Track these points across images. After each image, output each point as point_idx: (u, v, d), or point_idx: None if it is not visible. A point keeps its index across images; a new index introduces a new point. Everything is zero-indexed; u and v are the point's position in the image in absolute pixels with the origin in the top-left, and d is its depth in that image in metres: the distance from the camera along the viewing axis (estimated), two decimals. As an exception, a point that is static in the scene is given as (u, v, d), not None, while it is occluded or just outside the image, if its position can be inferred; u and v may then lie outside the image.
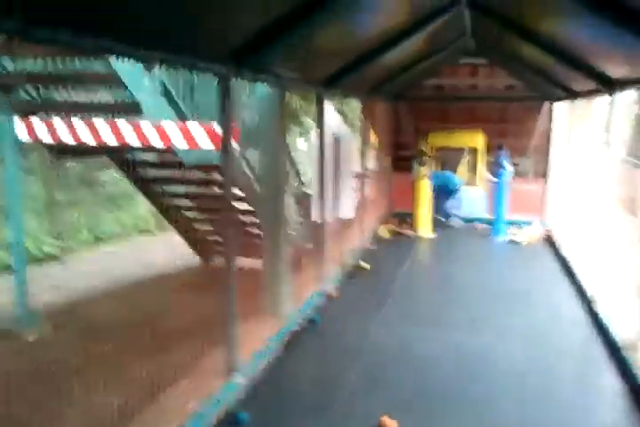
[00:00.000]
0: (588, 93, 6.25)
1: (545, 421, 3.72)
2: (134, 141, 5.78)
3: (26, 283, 6.14)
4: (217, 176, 6.61)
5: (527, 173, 10.04)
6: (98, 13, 2.23)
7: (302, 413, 3.80)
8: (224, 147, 3.75)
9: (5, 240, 7.04)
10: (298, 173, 8.45)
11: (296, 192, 8.18)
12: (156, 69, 5.35)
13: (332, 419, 3.70)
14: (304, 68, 4.83)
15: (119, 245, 10.69)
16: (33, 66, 5.81)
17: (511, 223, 9.25)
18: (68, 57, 5.71)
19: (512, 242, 8.87)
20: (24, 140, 5.96)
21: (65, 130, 5.82)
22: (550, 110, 9.58)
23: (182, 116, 5.88)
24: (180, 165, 6.32)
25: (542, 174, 9.82)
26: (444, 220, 9.91)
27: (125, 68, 5.26)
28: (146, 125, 5.70)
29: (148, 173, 7.69)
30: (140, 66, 5.12)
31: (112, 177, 12.73)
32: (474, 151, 10.08)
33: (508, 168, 8.87)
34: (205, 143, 5.73)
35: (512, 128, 10.05)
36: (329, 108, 6.62)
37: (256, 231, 7.25)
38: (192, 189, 7.94)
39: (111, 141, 5.81)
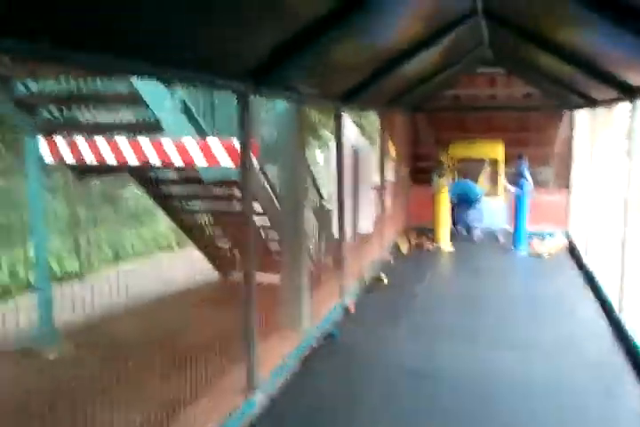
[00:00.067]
0: (609, 101, 6.18)
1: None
2: (155, 159, 5.83)
3: (49, 301, 6.18)
4: (236, 192, 6.63)
5: (548, 183, 9.93)
6: (120, 35, 2.28)
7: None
8: (243, 163, 3.76)
9: (28, 258, 7.11)
10: (317, 188, 8.45)
11: (315, 207, 8.17)
12: (177, 87, 5.41)
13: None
14: (322, 84, 4.85)
15: (140, 261, 10.75)
16: (56, 86, 5.91)
17: (533, 235, 9.12)
18: (90, 77, 5.80)
19: (534, 253, 8.74)
20: (48, 161, 6.04)
21: (87, 149, 5.90)
22: (571, 118, 9.48)
23: (202, 133, 5.93)
24: (200, 181, 6.35)
25: (564, 184, 9.70)
26: (465, 233, 9.81)
27: (146, 86, 5.32)
28: (166, 143, 5.75)
29: (168, 189, 7.75)
30: (160, 84, 5.18)
31: (133, 194, 12.85)
32: (494, 162, 10.00)
33: (529, 178, 8.77)
34: (225, 160, 5.76)
35: (532, 137, 9.97)
36: (347, 121, 6.63)
37: (275, 246, 7.24)
38: (212, 204, 7.98)
39: (132, 160, 5.87)
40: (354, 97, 5.56)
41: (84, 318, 7.01)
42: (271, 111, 6.34)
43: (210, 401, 3.82)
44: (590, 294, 6.57)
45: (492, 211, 9.93)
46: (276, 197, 6.38)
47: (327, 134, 13.71)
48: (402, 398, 4.20)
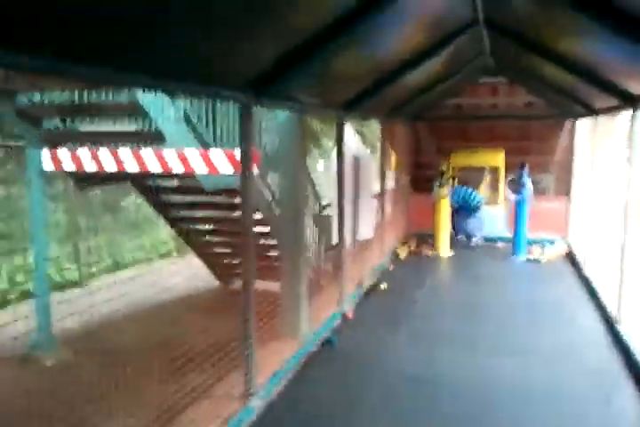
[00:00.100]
0: (610, 110, 6.20)
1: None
2: (156, 169, 5.86)
3: (47, 308, 6.19)
4: (237, 200, 6.65)
5: (549, 191, 9.95)
6: (121, 48, 2.29)
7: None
8: (244, 171, 3.77)
9: (29, 266, 7.13)
10: (317, 195, 8.47)
11: (315, 214, 8.19)
12: (179, 98, 5.45)
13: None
14: (323, 93, 4.88)
15: (140, 269, 10.76)
16: (59, 97, 5.96)
17: (532, 242, 9.13)
18: (93, 88, 5.84)
19: (533, 261, 8.74)
20: (49, 170, 6.07)
21: (89, 159, 5.93)
22: (572, 127, 9.51)
23: (204, 144, 5.97)
24: (201, 189, 6.38)
25: (564, 192, 9.71)
26: (465, 240, 9.82)
27: (148, 98, 5.35)
28: (168, 153, 5.77)
29: (168, 198, 7.77)
30: (162, 95, 5.21)
31: (133, 202, 12.88)
32: (495, 170, 10.03)
33: (529, 186, 8.79)
34: (226, 168, 5.78)
35: (533, 145, 10.00)
36: (348, 130, 6.66)
37: (274, 254, 7.24)
38: (212, 213, 8.00)
39: (134, 169, 5.90)
40: (355, 106, 5.59)
41: (84, 324, 7.01)
42: (273, 120, 6.37)
43: (208, 407, 3.82)
44: (589, 302, 6.57)
45: (493, 218, 9.96)
46: (277, 205, 6.39)
47: (328, 143, 13.76)
48: (401, 404, 4.19)
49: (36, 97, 5.98)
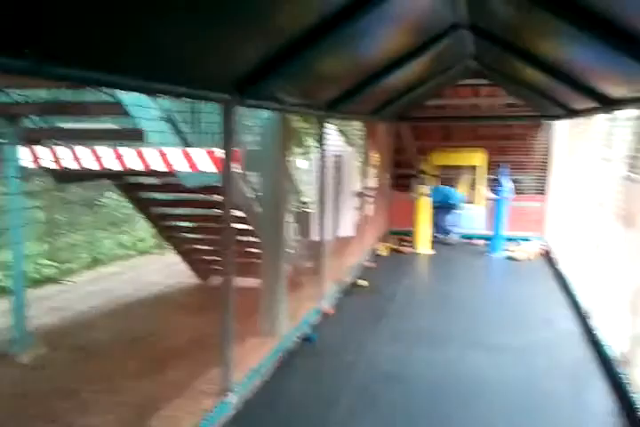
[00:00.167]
0: (588, 112, 6.29)
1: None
2: (137, 166, 5.84)
3: (24, 305, 6.13)
4: (217, 197, 6.65)
5: (527, 190, 10.08)
6: (103, 49, 2.27)
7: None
8: (225, 170, 3.78)
9: (6, 263, 7.04)
10: (298, 193, 8.49)
11: (296, 211, 8.21)
12: (161, 98, 5.42)
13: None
14: (306, 94, 4.89)
15: (119, 266, 10.69)
16: (39, 95, 5.89)
17: (510, 240, 9.25)
18: (74, 87, 5.79)
19: (510, 258, 8.86)
20: (28, 166, 6.02)
21: (68, 156, 5.89)
22: (551, 127, 9.64)
23: (186, 142, 5.95)
24: (181, 187, 6.36)
25: (542, 191, 9.85)
26: (442, 236, 9.91)
27: (130, 96, 5.33)
28: (149, 151, 5.76)
29: (148, 195, 7.73)
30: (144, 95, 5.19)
31: (113, 199, 12.78)
32: (475, 169, 10.14)
33: (508, 185, 8.90)
34: (207, 166, 5.78)
35: (513, 145, 10.11)
36: (330, 129, 6.69)
37: (255, 251, 7.25)
38: (192, 210, 7.98)
39: (114, 167, 5.87)
40: (338, 106, 5.60)
41: (61, 321, 6.95)
42: (255, 119, 6.38)
43: (185, 403, 3.82)
44: (564, 298, 6.68)
45: (472, 216, 10.08)
46: (258, 203, 6.40)
47: (311, 142, 13.78)
48: (378, 401, 4.23)
49: (16, 95, 5.91)
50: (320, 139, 6.09)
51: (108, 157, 5.81)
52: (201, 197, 7.03)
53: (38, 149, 5.93)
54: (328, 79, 4.88)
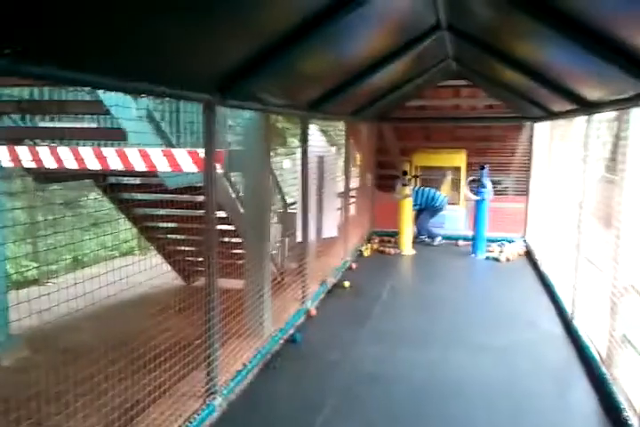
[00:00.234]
0: (567, 113, 6.38)
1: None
2: (118, 166, 5.80)
3: (6, 308, 6.06)
4: (200, 198, 6.63)
5: (508, 191, 10.18)
6: (84, 49, 2.27)
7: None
8: (207, 170, 3.78)
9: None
10: (282, 193, 8.48)
11: (280, 211, 8.20)
12: (142, 97, 5.40)
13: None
14: (288, 94, 4.90)
15: (101, 267, 10.59)
16: (19, 93, 5.83)
17: (492, 241, 9.32)
18: (55, 86, 5.74)
19: (492, 259, 8.93)
20: (6, 166, 5.95)
21: (49, 155, 5.83)
22: (531, 129, 9.74)
23: (168, 142, 5.93)
24: (163, 187, 6.33)
25: (524, 192, 9.94)
26: (427, 239, 9.96)
27: (111, 96, 5.30)
28: (130, 151, 5.72)
29: (130, 195, 7.67)
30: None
31: (94, 199, 12.66)
32: (457, 170, 10.22)
33: (489, 187, 8.98)
34: (189, 167, 5.76)
35: (494, 147, 10.20)
36: (313, 129, 6.70)
37: (239, 252, 7.24)
38: (174, 211, 7.92)
39: (95, 167, 5.83)
40: (320, 106, 5.63)
41: (43, 323, 6.86)
42: (238, 118, 6.37)
43: (170, 406, 3.81)
44: (546, 299, 6.74)
45: (454, 218, 10.17)
46: (241, 203, 6.39)
47: (294, 141, 13.76)
48: (362, 402, 4.25)
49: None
50: (303, 139, 6.10)
51: (88, 157, 5.77)
52: (183, 197, 7.00)
53: (18, 148, 5.87)
54: (310, 79, 4.90)
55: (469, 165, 9.99)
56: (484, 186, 8.94)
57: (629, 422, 3.62)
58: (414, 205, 9.51)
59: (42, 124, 6.40)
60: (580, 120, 6.22)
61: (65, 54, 2.23)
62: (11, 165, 5.91)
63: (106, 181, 7.26)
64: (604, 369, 4.39)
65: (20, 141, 6.09)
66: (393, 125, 10.64)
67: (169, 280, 8.62)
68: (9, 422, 4.26)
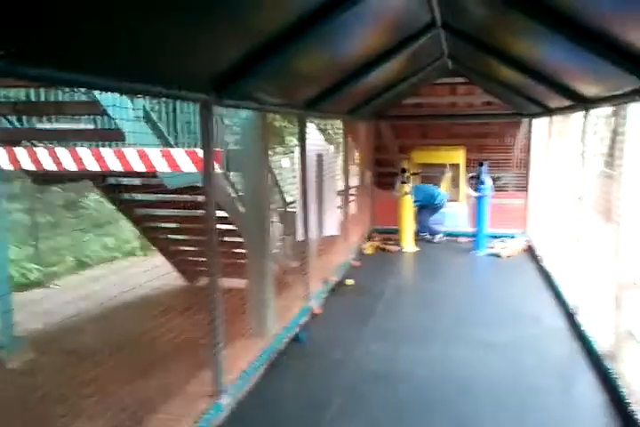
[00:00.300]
0: (564, 110, 6.39)
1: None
2: (117, 167, 5.82)
3: (10, 310, 6.10)
4: (200, 198, 6.66)
5: (508, 187, 10.20)
6: (79, 49, 2.28)
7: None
8: (206, 170, 3.80)
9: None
10: (281, 192, 8.51)
11: (280, 210, 8.23)
12: (139, 98, 5.42)
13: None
14: (285, 93, 4.91)
15: (104, 268, 10.64)
16: (16, 94, 5.85)
17: (493, 237, 9.35)
18: (51, 87, 5.76)
19: (493, 255, 8.95)
20: (6, 169, 5.97)
21: (47, 157, 5.85)
22: (529, 125, 9.76)
23: (165, 142, 5.95)
24: (163, 187, 6.36)
25: (523, 188, 9.96)
26: (429, 236, 9.98)
27: (108, 96, 5.32)
28: (129, 152, 5.74)
29: (130, 196, 7.70)
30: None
31: (95, 201, 12.71)
32: (456, 167, 10.24)
33: (489, 183, 9.00)
34: (188, 166, 5.79)
35: (492, 143, 10.23)
36: (311, 128, 6.72)
37: (241, 251, 7.27)
38: (175, 211, 7.96)
39: (94, 168, 5.85)
40: (317, 105, 5.64)
41: (47, 325, 6.91)
42: (235, 118, 6.40)
43: (177, 406, 3.83)
44: (548, 294, 6.76)
45: (454, 214, 10.18)
46: (241, 203, 6.42)
47: (292, 140, 13.81)
48: (367, 400, 4.26)
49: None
50: (301, 137, 6.12)
51: (87, 158, 5.80)
52: (183, 197, 7.03)
53: (15, 150, 5.90)
54: (306, 78, 4.91)
55: (468, 161, 10.00)
56: (483, 182, 8.96)
57: (635, 416, 3.64)
58: (414, 202, 9.53)
59: (39, 126, 6.42)
60: (578, 116, 6.25)
61: (60, 55, 2.24)
62: (9, 167, 5.94)
63: (105, 182, 7.29)
64: (608, 364, 4.40)
65: (17, 143, 6.11)
66: (390, 123, 10.66)
67: (173, 281, 8.69)
68: (20, 423, 4.31)
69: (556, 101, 6.33)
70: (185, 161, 5.78)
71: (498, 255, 8.90)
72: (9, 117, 6.16)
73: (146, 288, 8.65)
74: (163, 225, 8.38)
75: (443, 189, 10.06)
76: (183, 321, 6.19)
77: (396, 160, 10.23)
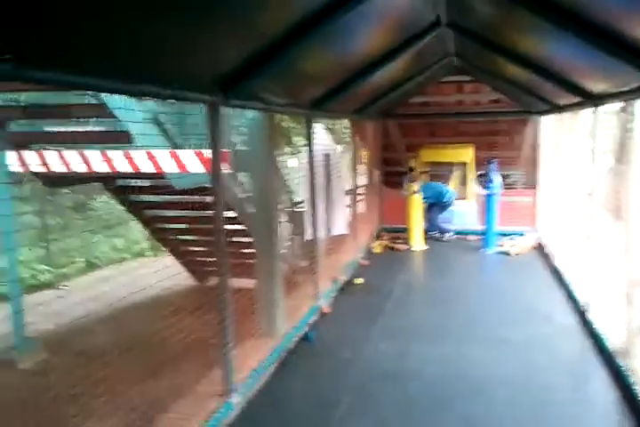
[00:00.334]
0: (573, 106, 6.37)
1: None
2: (125, 169, 5.85)
3: (21, 311, 6.14)
4: (208, 199, 6.68)
5: (517, 185, 10.17)
6: (84, 52, 2.29)
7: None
8: (214, 171, 3.82)
9: (1, 269, 7.06)
10: (290, 192, 8.52)
11: (289, 211, 8.24)
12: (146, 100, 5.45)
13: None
14: (291, 93, 4.92)
15: (113, 269, 10.69)
16: (26, 98, 5.89)
17: (502, 235, 9.32)
18: (58, 90, 5.79)
19: (503, 253, 8.92)
20: (16, 171, 6.02)
21: (57, 160, 5.90)
22: (538, 122, 9.72)
23: (173, 144, 5.97)
24: (172, 188, 6.39)
25: (532, 185, 9.93)
26: (438, 235, 9.96)
27: (115, 99, 5.35)
28: (137, 154, 5.77)
29: (139, 197, 7.74)
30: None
31: (105, 202, 12.77)
32: (464, 165, 10.22)
33: (497, 181, 8.97)
34: (196, 167, 5.81)
35: (501, 141, 10.20)
36: (318, 128, 6.73)
37: (249, 251, 7.29)
38: (184, 212, 7.99)
39: (102, 170, 5.89)
40: (323, 105, 5.64)
41: (58, 326, 6.95)
42: (242, 118, 6.41)
43: (188, 405, 3.85)
44: (559, 291, 6.73)
45: (463, 212, 10.15)
46: (250, 203, 6.43)
47: (299, 140, 13.83)
48: (376, 399, 4.25)
49: (2, 98, 5.93)
50: (308, 137, 6.13)
51: (96, 161, 5.83)
52: (192, 198, 7.06)
53: (25, 153, 5.94)
54: (312, 78, 4.92)
55: (477, 159, 9.97)
56: (492, 180, 8.93)
57: None
58: (424, 199, 9.52)
59: (48, 129, 6.46)
60: (586, 112, 6.22)
61: (67, 58, 2.25)
62: (20, 170, 5.99)
63: (114, 184, 7.33)
64: (620, 361, 4.38)
65: (27, 146, 6.16)
66: (397, 122, 10.65)
67: (183, 281, 8.72)
68: (33, 423, 4.34)
69: (564, 98, 6.30)
70: (193, 162, 5.80)
71: (507, 253, 8.87)
72: (19, 121, 6.22)
73: (156, 288, 8.71)
74: (172, 226, 8.41)
75: (452, 187, 10.05)
76: (193, 321, 6.23)
77: (403, 159, 10.22)
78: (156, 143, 5.78)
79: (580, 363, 4.83)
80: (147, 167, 5.83)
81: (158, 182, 6.79)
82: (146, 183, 7.29)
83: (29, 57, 2.05)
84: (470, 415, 3.96)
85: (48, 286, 9.52)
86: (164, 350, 5.69)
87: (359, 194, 9.38)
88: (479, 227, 9.68)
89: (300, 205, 8.03)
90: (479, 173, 9.47)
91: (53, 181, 6.83)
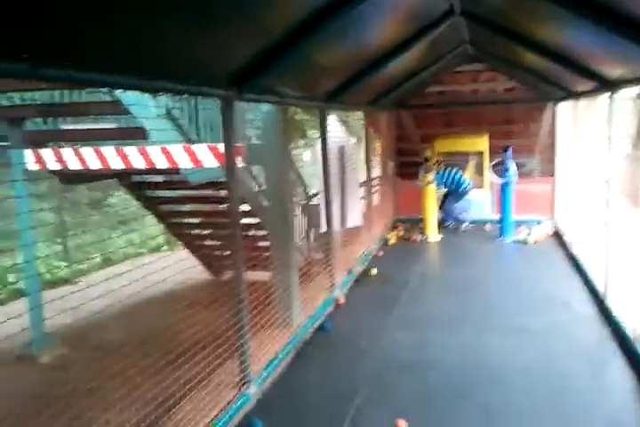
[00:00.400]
0: (589, 93, 6.28)
1: (556, 417, 3.73)
2: (141, 165, 5.89)
3: (39, 307, 6.21)
4: (223, 193, 6.70)
5: (534, 173, 10.08)
6: (99, 49, 2.29)
7: (316, 421, 3.84)
8: (228, 165, 3.82)
9: (19, 266, 7.14)
10: (304, 185, 8.52)
11: (303, 203, 8.25)
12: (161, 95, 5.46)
13: (345, 428, 3.70)
14: (305, 86, 4.91)
15: (130, 264, 10.76)
16: (41, 96, 5.93)
17: (519, 223, 9.24)
18: (75, 88, 5.83)
19: (520, 242, 8.85)
20: (33, 169, 6.08)
21: (73, 157, 5.95)
22: (554, 109, 9.61)
23: (188, 139, 5.99)
24: (187, 183, 6.41)
25: (549, 173, 9.83)
26: (453, 225, 9.90)
27: (130, 95, 5.37)
28: (152, 149, 5.80)
29: (155, 193, 7.79)
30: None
31: (120, 198, 12.86)
32: (480, 154, 10.13)
33: (513, 169, 8.88)
34: (210, 162, 5.82)
35: (517, 129, 10.11)
36: (332, 120, 6.71)
37: (265, 244, 7.30)
38: (199, 206, 8.03)
39: (118, 166, 5.93)
40: (337, 97, 5.62)
41: (76, 321, 7.01)
42: (256, 112, 6.42)
43: (205, 396, 3.87)
44: (577, 279, 6.66)
45: (479, 202, 10.07)
46: (264, 196, 6.44)
47: (314, 133, 13.82)
48: (393, 389, 4.24)
49: (17, 98, 5.98)
50: (322, 129, 6.11)
51: (112, 157, 5.87)
52: (207, 192, 7.08)
53: (43, 151, 6.00)
54: (326, 70, 4.89)
55: (493, 148, 9.87)
56: (508, 168, 8.84)
57: None
58: (439, 185, 9.45)
59: (64, 127, 6.50)
60: (603, 99, 6.13)
61: (81, 56, 2.25)
62: (37, 167, 6.04)
63: (130, 180, 7.38)
64: (639, 348, 4.33)
65: (43, 144, 6.21)
66: (412, 113, 10.58)
67: (198, 275, 8.77)
68: (52, 415, 4.39)
69: (580, 85, 6.21)
70: (207, 156, 5.81)
71: (524, 242, 8.80)
72: (35, 120, 6.27)
73: (172, 282, 8.75)
74: (187, 220, 8.46)
75: (468, 177, 9.96)
76: (209, 314, 6.25)
77: (418, 150, 10.15)
78: (170, 139, 5.80)
79: (598, 351, 4.79)
80: (162, 163, 5.85)
81: (173, 178, 6.82)
82: (161, 179, 7.33)
83: (44, 56, 2.05)
84: (489, 404, 3.93)
85: (65, 281, 9.62)
86: (181, 342, 5.73)
87: (374, 185, 9.33)
88: (495, 216, 9.60)
89: (315, 198, 8.03)
90: (494, 161, 9.38)
91: (70, 178, 6.88)
